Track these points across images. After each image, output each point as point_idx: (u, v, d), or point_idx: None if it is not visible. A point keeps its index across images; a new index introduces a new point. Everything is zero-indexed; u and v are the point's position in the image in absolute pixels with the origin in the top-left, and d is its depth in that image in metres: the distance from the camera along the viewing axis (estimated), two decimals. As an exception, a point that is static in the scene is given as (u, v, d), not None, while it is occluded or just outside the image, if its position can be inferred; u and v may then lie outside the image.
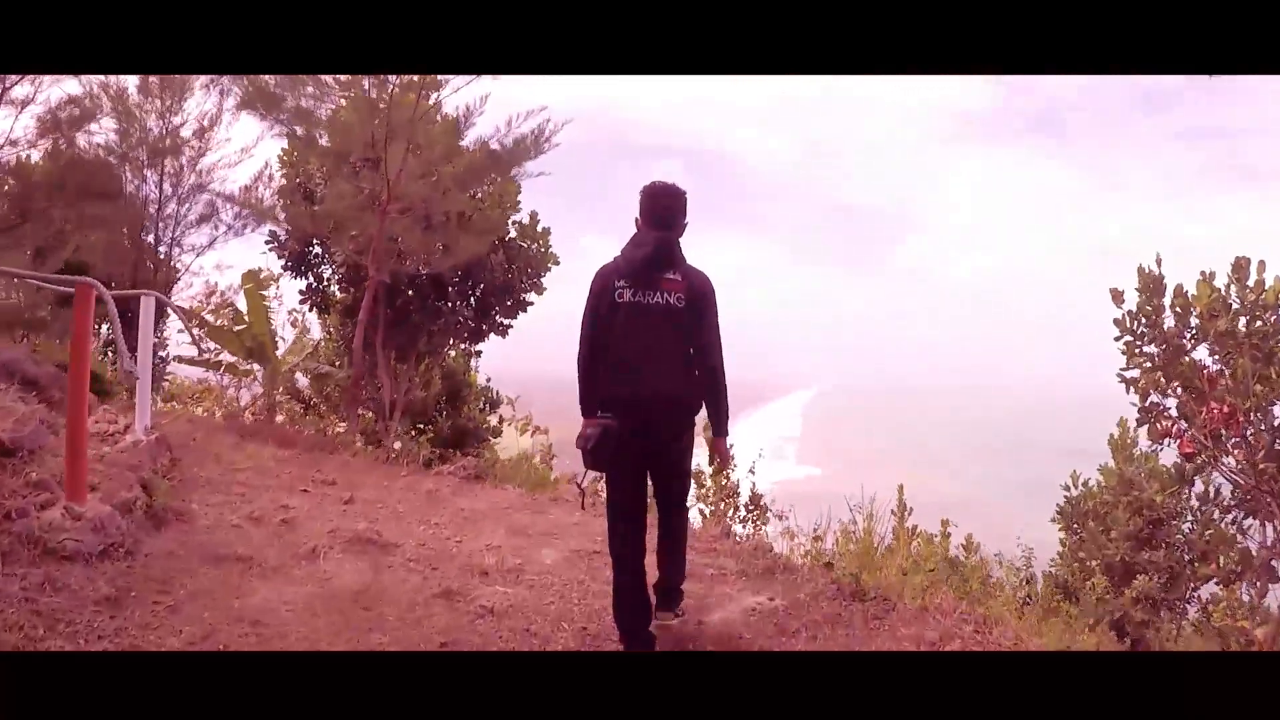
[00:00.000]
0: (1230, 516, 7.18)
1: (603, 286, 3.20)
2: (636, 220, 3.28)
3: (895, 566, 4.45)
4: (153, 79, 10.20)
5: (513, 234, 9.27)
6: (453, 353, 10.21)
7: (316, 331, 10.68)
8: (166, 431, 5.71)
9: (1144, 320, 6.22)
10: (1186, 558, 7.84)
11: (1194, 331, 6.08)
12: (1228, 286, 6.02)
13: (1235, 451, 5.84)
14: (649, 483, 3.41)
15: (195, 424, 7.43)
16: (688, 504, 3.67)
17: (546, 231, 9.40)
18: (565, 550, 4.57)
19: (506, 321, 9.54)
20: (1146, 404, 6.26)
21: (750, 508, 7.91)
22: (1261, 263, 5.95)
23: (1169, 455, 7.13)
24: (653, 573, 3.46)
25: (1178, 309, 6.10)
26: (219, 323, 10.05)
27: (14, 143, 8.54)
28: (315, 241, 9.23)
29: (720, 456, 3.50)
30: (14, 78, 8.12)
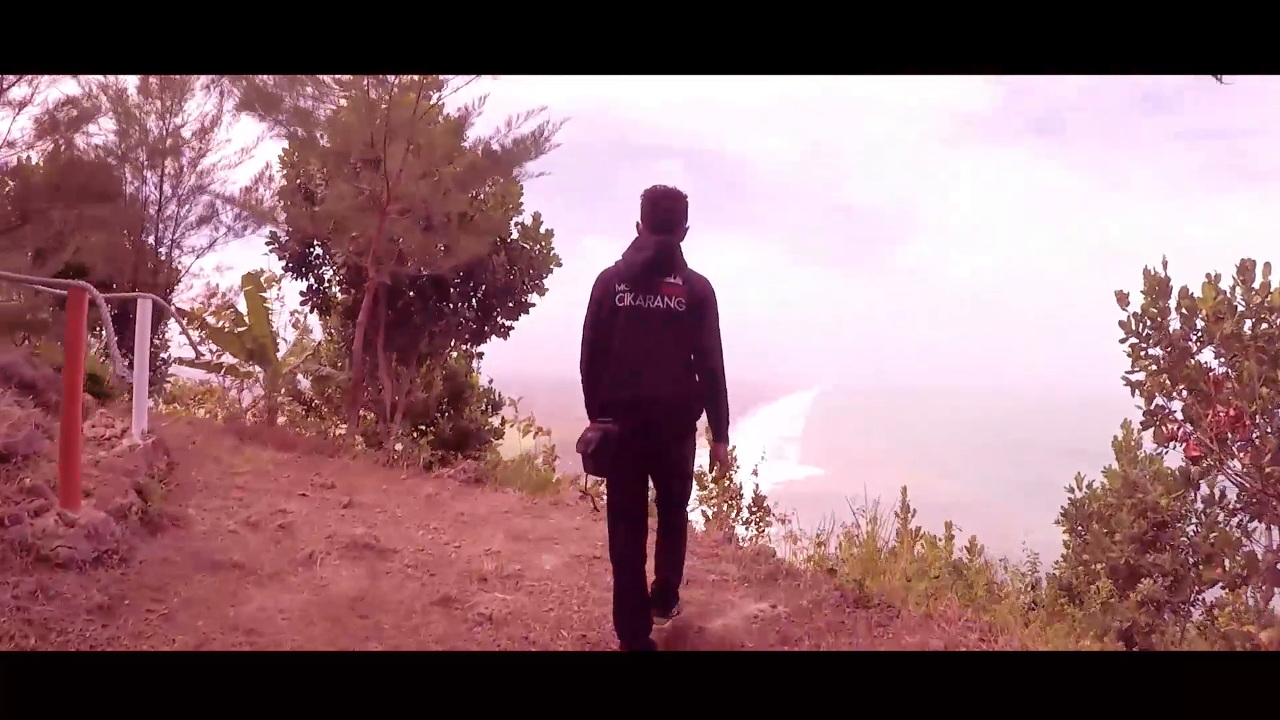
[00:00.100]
0: (1235, 520, 7.14)
1: (603, 291, 3.21)
2: (637, 224, 3.27)
3: (899, 571, 4.40)
4: (152, 79, 10.18)
5: (515, 235, 9.24)
6: (454, 354, 10.18)
7: (319, 333, 10.66)
8: (164, 435, 5.67)
9: (1149, 323, 6.18)
10: (1191, 560, 7.80)
11: (1199, 334, 6.04)
12: (1233, 289, 5.98)
13: (1241, 455, 5.79)
14: (650, 486, 3.40)
15: (195, 426, 7.39)
16: (689, 506, 3.67)
17: (549, 233, 9.37)
18: (565, 555, 4.53)
19: (508, 323, 9.51)
20: (1152, 407, 6.21)
21: (754, 509, 7.87)
22: (1267, 265, 5.92)
23: (1173, 458, 7.09)
24: (651, 575, 3.44)
25: (1183, 311, 6.06)
26: (220, 325, 10.01)
27: (11, 144, 8.50)
28: (316, 243, 9.20)
29: (720, 462, 3.48)
30: (10, 79, 8.08)
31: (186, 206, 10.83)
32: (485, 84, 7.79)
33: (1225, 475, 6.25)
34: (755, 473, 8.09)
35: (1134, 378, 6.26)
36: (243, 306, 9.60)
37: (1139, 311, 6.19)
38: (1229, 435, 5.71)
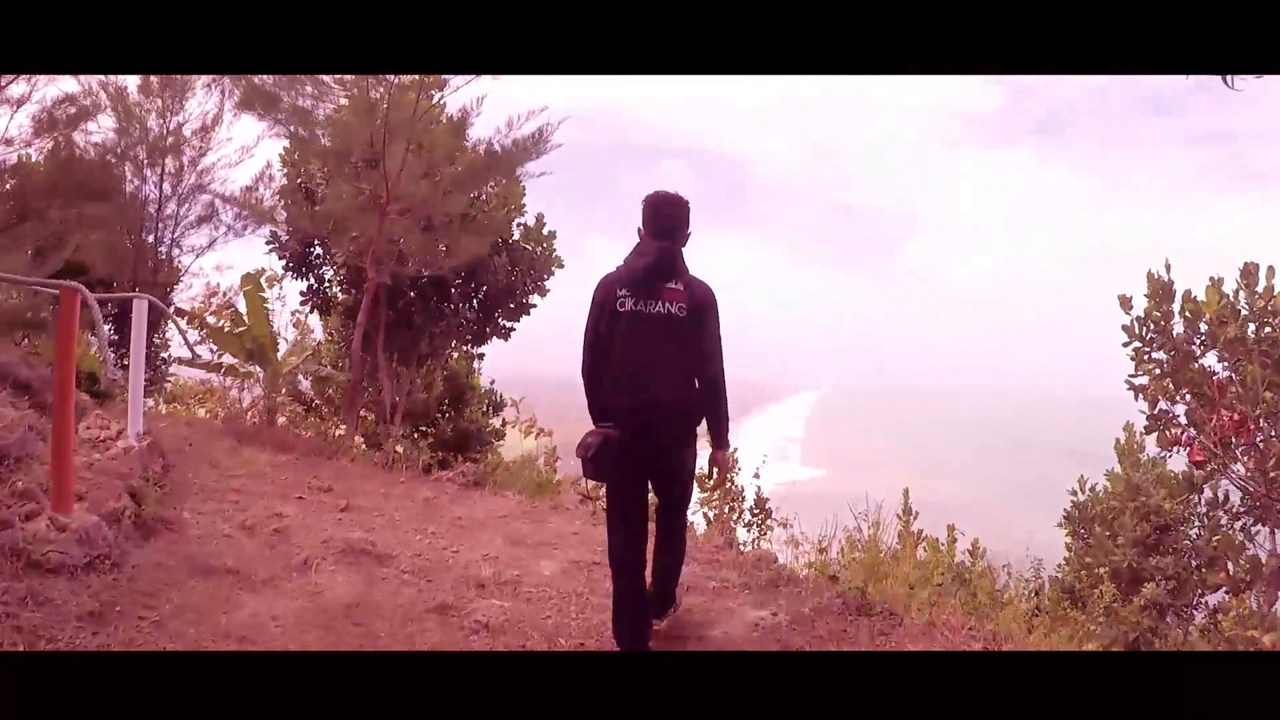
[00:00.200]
0: (1239, 524, 7.08)
1: (605, 296, 3.20)
2: (639, 230, 3.26)
3: (902, 577, 4.36)
4: (153, 78, 10.15)
5: (516, 236, 9.19)
6: (455, 355, 10.14)
7: (319, 333, 10.62)
8: (161, 436, 5.62)
9: (1153, 326, 6.12)
10: (1194, 564, 7.75)
11: (1203, 338, 5.98)
12: (1236, 292, 5.93)
13: (1245, 459, 5.74)
14: (650, 491, 3.38)
15: (193, 427, 7.35)
16: (689, 509, 3.66)
17: (552, 235, 9.33)
18: (564, 561, 4.48)
19: (509, 324, 9.47)
20: (1155, 411, 6.16)
21: (755, 512, 7.81)
22: (1271, 268, 5.86)
23: (1176, 461, 7.03)
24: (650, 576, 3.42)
25: (1187, 314, 6.01)
26: (220, 324, 9.97)
27: (9, 142, 8.46)
28: (316, 242, 9.17)
29: (719, 469, 3.45)
30: (8, 77, 8.04)
31: (186, 205, 10.82)
32: (485, 84, 7.78)
33: (1230, 480, 6.20)
34: (757, 475, 8.04)
35: (1138, 382, 6.21)
36: (242, 306, 9.56)
37: (1142, 315, 6.14)
38: (1233, 440, 5.65)
